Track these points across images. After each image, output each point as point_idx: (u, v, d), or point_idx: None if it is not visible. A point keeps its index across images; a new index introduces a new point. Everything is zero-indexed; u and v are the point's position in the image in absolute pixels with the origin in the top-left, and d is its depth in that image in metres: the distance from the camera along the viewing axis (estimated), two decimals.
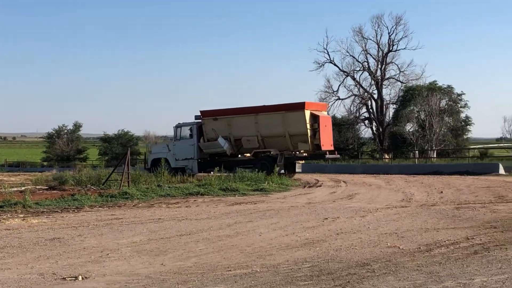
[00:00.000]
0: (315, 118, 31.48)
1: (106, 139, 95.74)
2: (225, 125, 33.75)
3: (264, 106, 33.60)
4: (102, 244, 12.30)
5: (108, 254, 11.08)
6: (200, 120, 35.09)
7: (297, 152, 32.55)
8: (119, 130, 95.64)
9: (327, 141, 32.04)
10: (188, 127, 35.35)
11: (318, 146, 31.54)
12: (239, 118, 33.69)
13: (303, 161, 35.95)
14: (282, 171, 32.36)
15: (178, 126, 35.76)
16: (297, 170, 34.55)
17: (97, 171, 31.75)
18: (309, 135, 31.20)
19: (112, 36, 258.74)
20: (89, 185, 27.11)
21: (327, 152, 32.41)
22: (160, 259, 10.59)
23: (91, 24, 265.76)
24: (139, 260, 10.50)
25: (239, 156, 34.50)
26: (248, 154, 34.11)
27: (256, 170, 31.44)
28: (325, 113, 34.07)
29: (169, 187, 25.52)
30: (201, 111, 34.62)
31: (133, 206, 20.23)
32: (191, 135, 35.03)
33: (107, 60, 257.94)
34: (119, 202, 21.33)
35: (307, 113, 31.31)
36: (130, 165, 28.34)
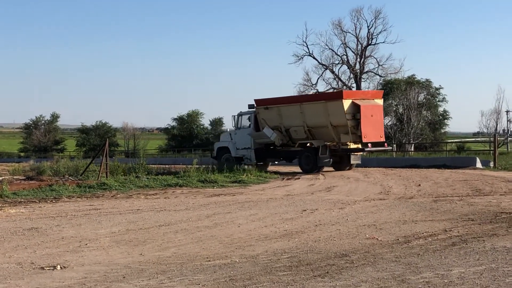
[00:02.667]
0: (357, 108, 29.04)
1: (83, 130, 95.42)
2: (275, 114, 32.09)
3: (307, 95, 32.69)
4: (80, 234, 12.26)
5: (86, 244, 11.05)
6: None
7: (341, 144, 30.08)
8: (97, 121, 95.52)
9: (371, 132, 29.38)
10: (247, 116, 34.03)
11: (360, 138, 29.26)
12: (287, 107, 31.95)
13: (361, 153, 32.15)
14: (326, 163, 30.28)
15: (239, 115, 34.48)
16: (354, 162, 31.13)
17: (75, 162, 31.61)
18: (349, 126, 28.93)
19: (90, 26, 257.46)
20: (67, 176, 26.97)
21: (368, 144, 29.73)
22: (139, 249, 10.58)
23: (68, 13, 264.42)
24: (118, 250, 10.48)
25: (297, 146, 32.55)
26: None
27: (301, 162, 30.99)
28: (377, 101, 30.73)
29: (147, 178, 25.46)
30: (255, 100, 33.38)
31: (112, 197, 20.18)
32: (250, 125, 33.75)
33: (86, 51, 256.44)
34: (97, 192, 21.29)
35: (347, 103, 28.97)
36: (108, 156, 28.22)
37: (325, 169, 31.04)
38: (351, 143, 29.87)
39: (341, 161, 31.12)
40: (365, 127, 28.93)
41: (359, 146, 30.11)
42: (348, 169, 31.07)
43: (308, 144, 30.91)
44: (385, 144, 32.21)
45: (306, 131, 30.80)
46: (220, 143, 35.83)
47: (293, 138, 31.71)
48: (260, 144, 32.98)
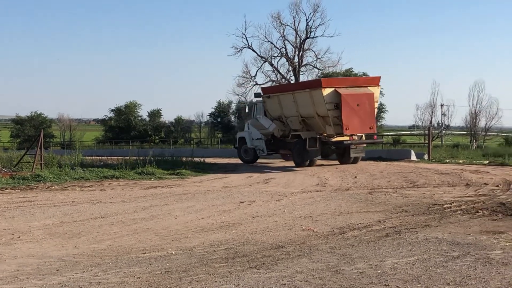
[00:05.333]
0: (340, 97, 26.20)
1: (18, 121, 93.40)
2: (276, 104, 29.69)
3: (297, 83, 30.14)
4: (13, 226, 12.05)
5: (19, 237, 10.86)
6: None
7: (330, 136, 27.48)
8: (32, 112, 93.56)
9: (356, 124, 26.39)
10: (260, 105, 31.65)
11: (342, 129, 26.42)
12: (284, 96, 29.37)
13: (363, 145, 28.96)
14: (313, 156, 27.85)
15: (254, 104, 32.55)
16: (355, 155, 28.04)
17: (9, 153, 30.94)
18: (331, 116, 26.26)
19: (25, 15, 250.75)
20: (0, 167, 26.38)
21: (352, 137, 27.05)
22: (73, 241, 10.45)
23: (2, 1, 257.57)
24: (52, 243, 10.33)
25: (291, 138, 29.87)
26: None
27: (293, 155, 28.82)
28: (371, 88, 27.39)
29: (83, 170, 25.10)
30: (261, 88, 31.59)
31: (46, 188, 19.85)
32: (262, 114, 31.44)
33: (20, 39, 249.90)
34: (31, 184, 20.91)
35: (327, 92, 26.20)
36: (44, 147, 27.73)
37: (330, 162, 29.31)
38: (338, 135, 27.29)
39: (344, 154, 28.51)
40: (348, 118, 26.22)
41: (352, 138, 27.34)
42: (352, 163, 28.30)
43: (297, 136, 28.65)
44: (375, 136, 29.45)
45: (300, 122, 28.50)
46: (240, 133, 34.25)
47: (291, 129, 29.39)
48: (266, 135, 30.97)
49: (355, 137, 27.35)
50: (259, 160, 32.26)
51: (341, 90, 26.37)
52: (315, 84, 27.96)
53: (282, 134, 29.88)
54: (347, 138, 27.18)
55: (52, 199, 16.86)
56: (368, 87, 27.49)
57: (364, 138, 28.04)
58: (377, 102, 27.40)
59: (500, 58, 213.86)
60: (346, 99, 26.15)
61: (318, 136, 27.62)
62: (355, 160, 28.50)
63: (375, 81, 28.41)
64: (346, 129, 26.22)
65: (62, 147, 72.10)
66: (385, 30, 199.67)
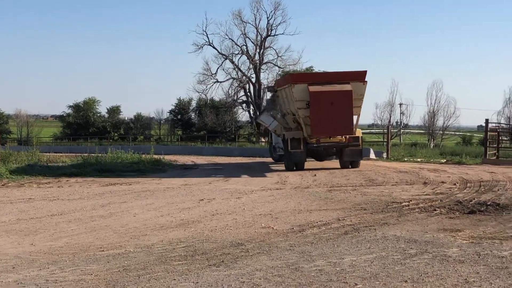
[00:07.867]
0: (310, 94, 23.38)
1: None
2: (282, 98, 26.76)
3: (288, 75, 27.79)
4: None
5: None
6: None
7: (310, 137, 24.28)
8: None
9: (329, 125, 23.44)
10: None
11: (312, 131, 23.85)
12: (283, 91, 26.10)
13: (358, 148, 24.62)
14: (297, 159, 24.46)
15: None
16: (350, 159, 24.79)
17: None
18: (301, 116, 23.79)
19: None
20: None
21: (319, 140, 24.15)
22: (30, 239, 10.30)
23: None
24: (8, 240, 10.18)
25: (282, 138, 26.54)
26: None
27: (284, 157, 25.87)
28: (354, 84, 23.80)
29: (40, 166, 24.80)
30: (275, 81, 29.64)
31: (2, 185, 19.59)
32: None
33: None
34: None
35: (298, 88, 23.43)
36: (0, 143, 27.33)
37: (330, 164, 26.21)
38: (308, 137, 24.29)
39: (341, 157, 24.99)
40: (318, 118, 23.35)
41: (318, 140, 24.32)
42: (352, 167, 24.71)
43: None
44: (350, 139, 24.32)
45: (294, 120, 25.37)
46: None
47: (290, 128, 26.06)
48: (275, 133, 27.94)
49: (342, 138, 24.40)
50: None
51: (312, 87, 23.53)
52: (288, 80, 25.53)
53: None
54: (324, 139, 24.39)
55: (9, 196, 16.64)
56: (350, 83, 23.87)
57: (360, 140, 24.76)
58: (361, 99, 24.30)
59: (458, 58, 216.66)
60: (316, 97, 23.32)
61: (303, 136, 24.38)
62: (354, 164, 24.89)
63: (360, 76, 24.43)
64: (314, 131, 23.72)
65: (19, 143, 71.26)
66: (345, 29, 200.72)
